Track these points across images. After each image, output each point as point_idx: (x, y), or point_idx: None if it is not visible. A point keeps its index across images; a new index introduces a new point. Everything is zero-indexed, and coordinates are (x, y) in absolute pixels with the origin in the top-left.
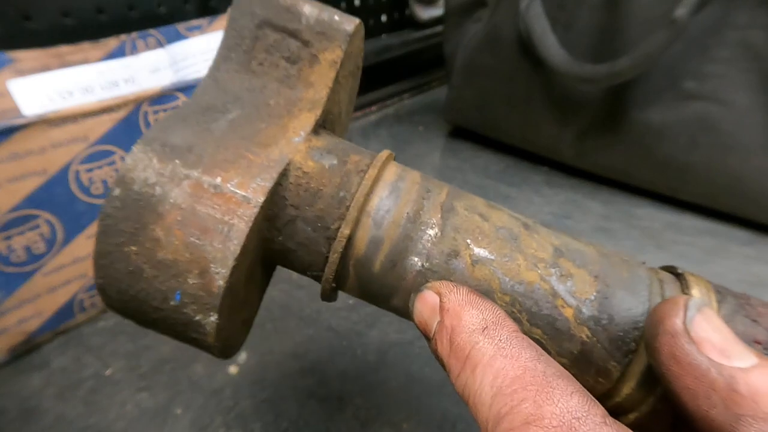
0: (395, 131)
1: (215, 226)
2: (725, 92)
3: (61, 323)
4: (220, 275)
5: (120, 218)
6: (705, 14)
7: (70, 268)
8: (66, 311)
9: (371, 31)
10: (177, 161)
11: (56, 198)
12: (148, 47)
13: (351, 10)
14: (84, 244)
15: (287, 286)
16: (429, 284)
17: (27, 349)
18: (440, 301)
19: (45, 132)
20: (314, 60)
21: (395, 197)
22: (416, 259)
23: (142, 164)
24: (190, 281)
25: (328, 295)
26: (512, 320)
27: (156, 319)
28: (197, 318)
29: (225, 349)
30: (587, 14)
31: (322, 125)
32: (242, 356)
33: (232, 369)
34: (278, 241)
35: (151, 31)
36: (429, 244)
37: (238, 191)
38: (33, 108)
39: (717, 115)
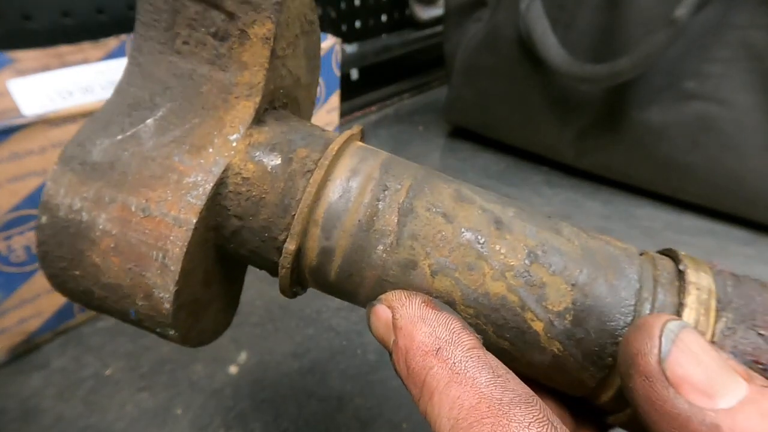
0: (395, 131)
1: (149, 252)
2: (725, 92)
3: (61, 323)
4: (165, 299)
5: (55, 245)
6: (705, 14)
7: None
8: (66, 311)
9: (371, 31)
10: (99, 183)
11: None
12: None
13: (351, 10)
14: None
15: None
16: (382, 296)
17: (27, 349)
18: (393, 317)
19: (45, 132)
20: (244, 36)
21: (346, 200)
22: (372, 270)
23: (63, 189)
24: (139, 303)
25: (290, 296)
26: (469, 332)
27: (128, 323)
28: (159, 330)
29: (202, 342)
30: (587, 14)
31: (271, 103)
32: (242, 356)
33: (232, 369)
34: (230, 248)
35: None
36: (384, 255)
37: (168, 213)
38: (33, 108)
39: (717, 115)
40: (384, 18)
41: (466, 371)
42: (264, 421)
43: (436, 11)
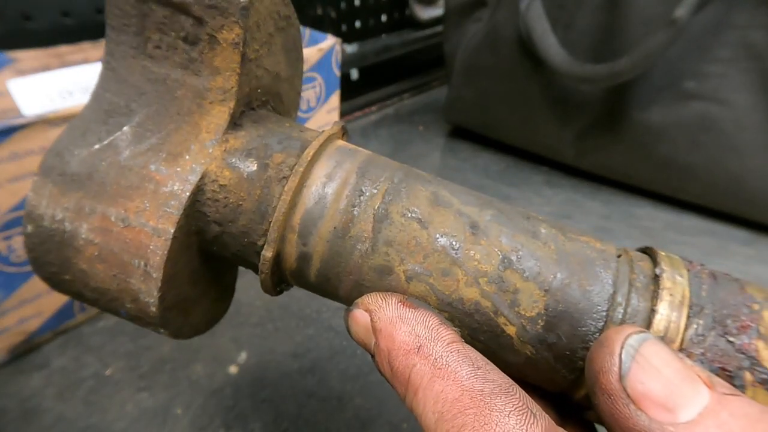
0: (395, 131)
1: (132, 260)
2: (725, 92)
3: (61, 323)
4: (151, 303)
5: (43, 252)
6: (705, 14)
7: None
8: (66, 311)
9: (371, 31)
10: (79, 193)
11: None
12: None
13: (351, 10)
14: None
15: None
16: (358, 300)
17: (27, 349)
18: (371, 320)
19: (45, 132)
20: (214, 41)
21: (322, 207)
22: (348, 275)
23: (45, 199)
24: (128, 305)
25: (274, 295)
26: (447, 327)
27: (123, 319)
28: (150, 328)
29: (197, 333)
30: (587, 14)
31: (248, 104)
32: (242, 356)
33: (232, 369)
34: (214, 250)
35: None
36: (360, 260)
37: (147, 223)
38: (33, 108)
39: (717, 115)
40: (384, 18)
41: (447, 366)
42: (264, 421)
43: (436, 11)
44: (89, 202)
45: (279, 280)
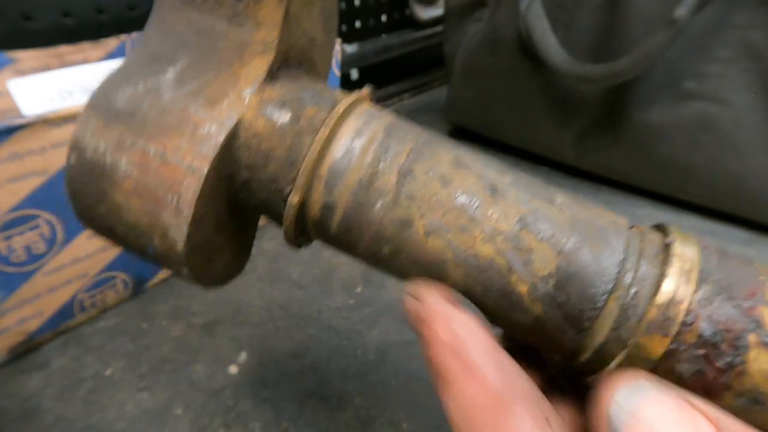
0: None
1: (165, 195)
2: (725, 92)
3: (61, 323)
4: (179, 239)
5: (82, 184)
6: (705, 14)
7: (71, 267)
8: (66, 311)
9: (371, 31)
10: (122, 128)
11: (56, 198)
12: None
13: (351, 10)
14: (84, 243)
15: (287, 286)
16: (410, 287)
17: (27, 349)
18: (419, 309)
19: (45, 132)
20: None
21: (349, 159)
22: (369, 226)
23: (90, 131)
24: (156, 242)
25: (295, 246)
26: (484, 329)
27: (147, 260)
28: (174, 268)
29: (214, 284)
30: (587, 14)
31: (285, 62)
32: (242, 356)
33: (232, 369)
34: (241, 198)
35: None
36: (382, 212)
37: (183, 161)
38: (33, 108)
39: (717, 115)
40: (384, 18)
41: (478, 368)
42: (264, 421)
43: (436, 11)
44: (131, 137)
45: (301, 231)
